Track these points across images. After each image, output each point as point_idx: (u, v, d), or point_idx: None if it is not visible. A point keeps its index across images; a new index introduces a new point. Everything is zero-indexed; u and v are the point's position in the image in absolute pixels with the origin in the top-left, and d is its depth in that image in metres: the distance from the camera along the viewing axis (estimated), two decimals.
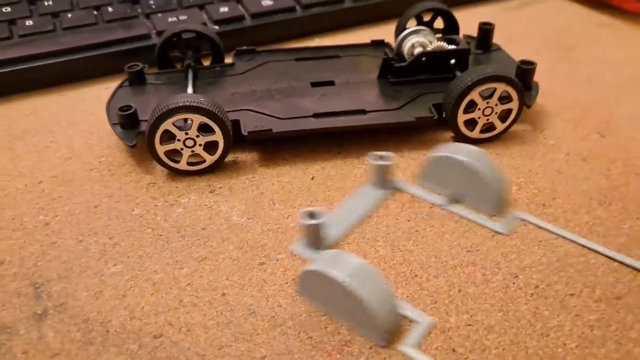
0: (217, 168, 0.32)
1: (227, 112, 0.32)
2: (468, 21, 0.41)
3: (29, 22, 0.42)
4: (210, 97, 0.31)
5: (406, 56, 0.36)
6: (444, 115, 0.33)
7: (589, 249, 0.27)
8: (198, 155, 0.32)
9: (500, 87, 0.32)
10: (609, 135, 0.35)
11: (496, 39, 0.40)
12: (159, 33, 0.42)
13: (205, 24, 0.43)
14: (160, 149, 0.31)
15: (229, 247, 0.28)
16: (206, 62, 0.40)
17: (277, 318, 0.24)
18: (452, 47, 0.36)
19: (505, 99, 0.33)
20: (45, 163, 0.33)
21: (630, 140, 0.34)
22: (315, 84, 0.36)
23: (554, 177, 0.31)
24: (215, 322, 0.24)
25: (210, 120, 0.30)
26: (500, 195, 0.29)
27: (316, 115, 0.33)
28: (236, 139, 0.32)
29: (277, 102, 0.35)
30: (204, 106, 0.30)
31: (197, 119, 0.30)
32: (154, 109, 0.31)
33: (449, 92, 0.33)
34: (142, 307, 0.25)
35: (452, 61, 0.36)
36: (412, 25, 0.38)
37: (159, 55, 0.38)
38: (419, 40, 0.36)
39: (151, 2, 0.45)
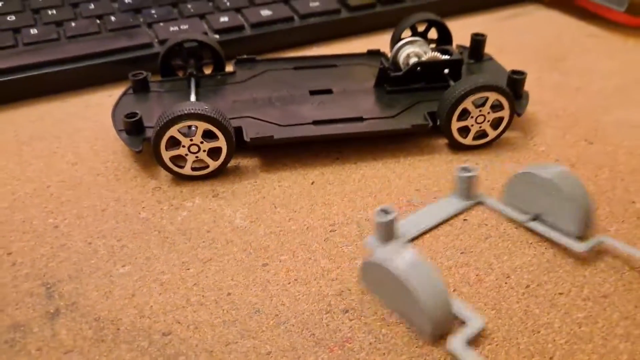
0: (220, 173, 0.33)
1: (229, 119, 0.33)
2: (460, 31, 0.43)
3: (33, 31, 0.43)
4: (212, 105, 0.32)
5: (402, 66, 0.38)
6: (438, 123, 0.35)
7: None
8: (202, 160, 0.33)
9: (492, 96, 0.34)
10: (596, 142, 0.36)
11: (488, 49, 0.41)
12: (161, 42, 0.43)
13: (206, 33, 0.44)
14: (166, 155, 0.32)
15: (233, 249, 0.29)
16: (207, 71, 0.41)
17: (281, 316, 0.25)
18: (446, 57, 0.37)
19: (497, 107, 0.34)
20: (53, 168, 0.34)
21: (617, 147, 0.36)
22: (313, 92, 0.38)
23: None
24: (222, 320, 0.25)
25: (214, 127, 0.32)
26: (582, 215, 0.28)
27: (315, 123, 0.35)
28: (238, 145, 0.33)
29: (277, 110, 0.36)
30: (209, 114, 0.31)
31: (202, 126, 0.31)
32: (160, 116, 0.32)
33: (443, 100, 0.34)
34: (151, 306, 0.26)
35: (446, 71, 0.37)
36: (407, 35, 0.40)
37: (162, 64, 0.39)
38: (414, 50, 0.37)
39: (153, 11, 0.47)
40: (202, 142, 0.32)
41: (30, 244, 0.29)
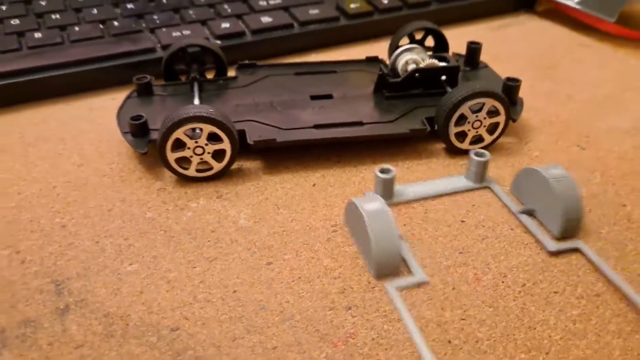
0: (223, 175, 0.34)
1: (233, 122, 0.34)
2: (456, 40, 0.44)
3: (37, 35, 0.44)
4: (216, 108, 0.33)
5: (400, 72, 0.39)
6: (436, 128, 0.36)
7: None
8: (206, 162, 0.33)
9: (489, 102, 0.35)
10: (588, 147, 0.37)
11: (483, 57, 0.42)
12: (164, 47, 0.44)
13: (207, 38, 0.45)
14: (171, 157, 0.33)
15: (237, 248, 0.30)
16: (209, 75, 0.42)
17: (286, 312, 0.26)
18: (443, 64, 0.38)
19: (493, 113, 0.35)
20: (58, 169, 0.35)
21: (608, 152, 0.37)
22: (314, 97, 0.39)
23: None
24: (228, 316, 0.26)
25: (219, 130, 0.32)
26: (565, 217, 0.29)
27: (316, 127, 0.36)
28: (241, 148, 0.34)
29: (279, 114, 0.37)
30: (214, 117, 0.32)
31: (207, 129, 0.32)
32: (166, 118, 0.33)
33: (441, 106, 0.35)
34: (159, 302, 0.27)
35: (443, 77, 0.38)
36: (404, 43, 0.41)
37: (166, 68, 0.40)
38: (412, 57, 0.38)
39: (155, 17, 0.47)
40: (206, 144, 0.33)
41: (39, 242, 0.30)
